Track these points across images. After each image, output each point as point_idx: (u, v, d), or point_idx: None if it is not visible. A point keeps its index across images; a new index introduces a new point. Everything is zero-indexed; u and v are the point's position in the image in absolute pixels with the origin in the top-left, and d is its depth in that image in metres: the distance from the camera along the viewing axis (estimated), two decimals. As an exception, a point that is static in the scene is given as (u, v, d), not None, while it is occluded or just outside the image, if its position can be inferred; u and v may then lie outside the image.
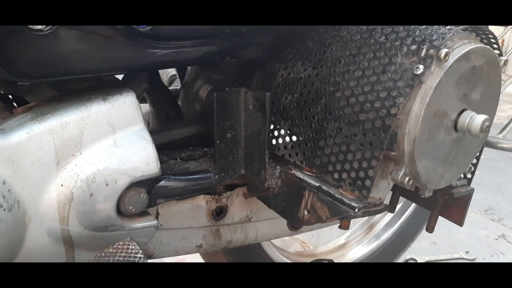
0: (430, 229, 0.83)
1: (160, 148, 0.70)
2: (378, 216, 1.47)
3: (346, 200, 0.63)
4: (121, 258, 0.59)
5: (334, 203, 0.64)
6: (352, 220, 0.70)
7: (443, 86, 0.60)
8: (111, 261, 0.58)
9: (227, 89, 0.71)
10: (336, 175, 0.65)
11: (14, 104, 0.70)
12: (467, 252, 1.70)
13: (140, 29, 0.58)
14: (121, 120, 0.61)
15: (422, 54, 0.59)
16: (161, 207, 0.72)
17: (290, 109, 0.70)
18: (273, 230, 0.91)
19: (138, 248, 0.60)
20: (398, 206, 1.47)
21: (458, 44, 0.62)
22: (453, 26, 0.63)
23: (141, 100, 0.86)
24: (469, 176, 0.80)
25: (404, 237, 1.46)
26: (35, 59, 0.54)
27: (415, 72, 0.58)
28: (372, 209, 0.63)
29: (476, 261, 1.66)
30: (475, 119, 0.63)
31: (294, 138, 0.71)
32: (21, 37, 0.51)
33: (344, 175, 0.64)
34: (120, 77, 0.72)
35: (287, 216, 0.73)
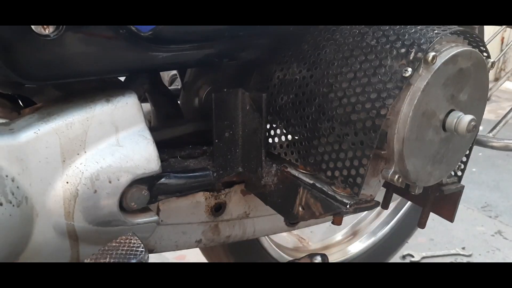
0: (422, 225, 0.86)
1: (161, 145, 0.73)
2: (374, 213, 1.50)
3: (338, 197, 0.66)
4: (124, 252, 0.62)
5: (327, 200, 0.67)
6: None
7: (431, 87, 0.63)
8: (114, 255, 0.61)
9: (225, 90, 0.74)
10: (329, 173, 0.68)
11: (21, 104, 0.74)
12: (463, 248, 1.73)
13: (142, 33, 0.61)
14: (123, 120, 0.64)
15: (411, 57, 0.62)
16: (162, 203, 0.75)
17: (285, 109, 0.73)
18: (271, 226, 0.94)
19: (140, 242, 0.63)
20: (395, 204, 1.50)
21: (445, 47, 0.64)
22: (443, 29, 0.65)
23: (143, 99, 0.89)
24: (459, 173, 0.82)
25: (401, 233, 1.49)
26: (42, 62, 0.57)
27: (403, 75, 0.61)
28: (363, 205, 0.66)
29: (473, 257, 1.69)
30: (462, 119, 0.66)
31: (289, 137, 0.73)
32: (29, 42, 0.54)
33: (337, 173, 0.67)
34: (122, 78, 0.75)
35: (283, 212, 0.76)
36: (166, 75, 1.14)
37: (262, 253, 1.25)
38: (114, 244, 0.63)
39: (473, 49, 0.67)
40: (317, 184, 0.69)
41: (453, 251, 1.71)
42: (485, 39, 1.07)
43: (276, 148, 0.75)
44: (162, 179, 0.69)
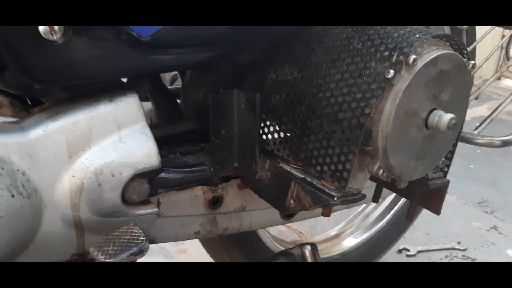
0: (410, 218, 0.90)
1: (161, 142, 0.78)
2: (370, 208, 1.55)
3: (326, 190, 0.70)
4: (125, 241, 0.66)
5: (316, 193, 0.72)
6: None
7: (412, 88, 0.67)
8: (116, 243, 0.66)
9: (221, 90, 0.78)
10: (318, 168, 0.73)
11: (30, 104, 0.78)
12: (459, 243, 1.77)
13: (142, 38, 0.66)
14: (125, 119, 0.69)
15: (393, 60, 0.66)
16: (162, 196, 0.80)
17: (278, 108, 0.77)
18: (266, 219, 0.98)
19: (141, 232, 0.68)
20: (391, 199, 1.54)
21: (426, 50, 0.69)
22: (424, 33, 0.70)
23: (144, 99, 0.94)
24: (445, 169, 0.87)
25: (396, 227, 1.53)
26: (50, 66, 0.61)
27: (386, 76, 0.66)
28: (350, 198, 0.71)
29: (468, 251, 1.73)
30: (443, 117, 0.70)
31: (281, 134, 0.78)
32: (38, 47, 0.59)
33: (325, 168, 0.72)
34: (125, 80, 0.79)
35: (276, 205, 0.81)
36: (167, 75, 1.18)
37: (261, 246, 1.29)
38: (117, 234, 0.67)
39: (454, 52, 0.71)
40: (307, 178, 0.74)
41: (448, 246, 1.75)
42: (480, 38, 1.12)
43: (270, 145, 0.80)
44: (162, 174, 0.73)
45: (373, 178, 0.94)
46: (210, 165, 0.80)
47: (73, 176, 0.66)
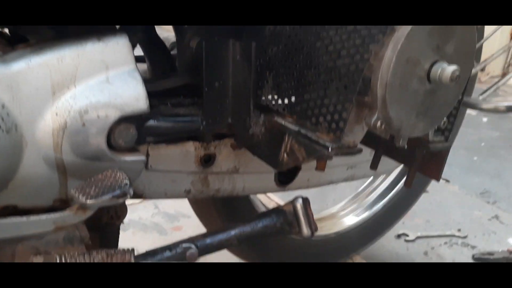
0: (408, 184, 0.87)
1: (153, 96, 0.75)
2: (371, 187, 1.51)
3: (321, 141, 0.67)
4: (109, 184, 0.64)
5: (311, 144, 0.68)
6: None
7: (415, 35, 0.64)
8: (99, 185, 0.63)
9: (216, 39, 0.75)
10: (314, 120, 0.69)
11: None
12: (459, 230, 1.73)
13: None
14: (114, 59, 0.66)
15: (396, 3, 0.63)
16: (151, 148, 0.77)
17: (275, 60, 0.74)
18: (261, 184, 0.95)
19: (125, 176, 0.65)
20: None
21: (431, -4, 0.65)
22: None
23: (139, 60, 0.91)
24: (446, 133, 0.83)
25: (396, 208, 1.50)
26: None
27: (388, 20, 0.62)
28: (345, 150, 0.67)
29: (467, 238, 1.69)
30: (446, 69, 0.67)
31: (277, 87, 0.75)
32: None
33: (321, 119, 0.68)
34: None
35: (269, 160, 0.78)
36: (166, 42, 1.15)
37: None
38: (100, 176, 0.65)
39: (460, 1, 0.68)
40: (302, 131, 0.70)
41: (448, 232, 1.72)
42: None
43: (265, 99, 0.77)
44: (150, 120, 0.71)
45: (371, 143, 0.91)
46: (202, 118, 0.77)
47: (56, 114, 0.63)
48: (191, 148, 0.81)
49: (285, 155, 0.73)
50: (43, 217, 0.64)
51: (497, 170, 2.30)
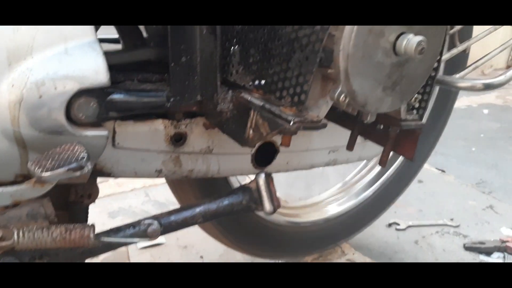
0: (383, 163, 0.85)
1: (119, 70, 0.74)
2: (357, 177, 1.50)
3: (283, 115, 0.66)
4: (66, 156, 0.63)
5: (273, 119, 0.67)
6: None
7: (377, 4, 0.62)
8: (56, 158, 0.62)
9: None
10: (278, 94, 0.68)
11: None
12: (451, 220, 1.71)
13: None
14: (73, 30, 0.65)
15: (357, -28, 0.61)
16: (118, 125, 0.76)
17: (241, 33, 0.73)
18: (236, 165, 0.94)
19: (84, 149, 0.64)
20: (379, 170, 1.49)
21: (395, -35, 0.64)
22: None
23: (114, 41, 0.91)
24: (420, 111, 0.82)
25: (384, 197, 1.48)
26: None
27: (349, -11, 0.61)
28: (308, 124, 0.66)
29: (460, 228, 1.67)
30: (411, 40, 0.65)
31: (243, 61, 0.74)
32: None
33: (284, 93, 0.67)
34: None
35: (237, 138, 0.76)
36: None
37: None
38: (57, 150, 0.64)
39: (427, -29, 0.66)
40: (266, 105, 0.69)
41: (440, 222, 1.70)
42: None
43: (232, 75, 0.75)
44: (113, 95, 0.70)
45: (349, 124, 0.89)
46: (170, 94, 0.76)
47: (13, 86, 0.62)
48: (160, 126, 0.80)
49: (251, 131, 0.72)
50: (-1, 190, 0.64)
51: (495, 160, 2.27)
